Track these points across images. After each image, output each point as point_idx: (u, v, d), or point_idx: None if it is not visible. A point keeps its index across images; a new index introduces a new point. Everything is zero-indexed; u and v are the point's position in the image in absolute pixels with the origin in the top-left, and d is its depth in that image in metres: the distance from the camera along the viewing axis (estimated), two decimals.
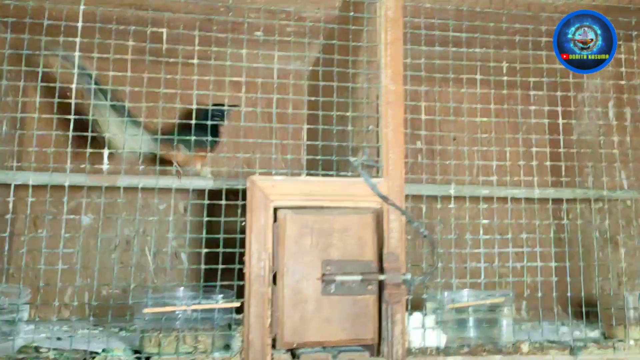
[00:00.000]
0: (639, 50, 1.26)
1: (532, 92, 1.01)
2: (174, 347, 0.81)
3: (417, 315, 0.91)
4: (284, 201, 0.86)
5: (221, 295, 0.88)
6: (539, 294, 0.93)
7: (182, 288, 0.91)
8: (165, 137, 1.12)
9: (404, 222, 0.88)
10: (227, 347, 0.86)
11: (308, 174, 0.89)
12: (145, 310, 0.83)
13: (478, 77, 1.01)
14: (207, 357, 0.82)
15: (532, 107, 1.09)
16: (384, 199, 0.88)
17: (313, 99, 1.07)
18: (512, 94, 1.11)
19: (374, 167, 0.91)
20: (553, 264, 0.97)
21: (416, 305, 0.92)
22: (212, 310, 0.86)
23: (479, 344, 0.90)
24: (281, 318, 0.84)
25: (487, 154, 1.00)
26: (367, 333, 0.86)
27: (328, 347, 0.85)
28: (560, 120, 1.03)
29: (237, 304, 0.85)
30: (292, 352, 0.84)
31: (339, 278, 0.85)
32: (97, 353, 0.79)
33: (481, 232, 0.93)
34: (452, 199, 0.94)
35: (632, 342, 0.96)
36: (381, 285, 0.86)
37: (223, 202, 0.88)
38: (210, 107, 1.15)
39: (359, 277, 0.85)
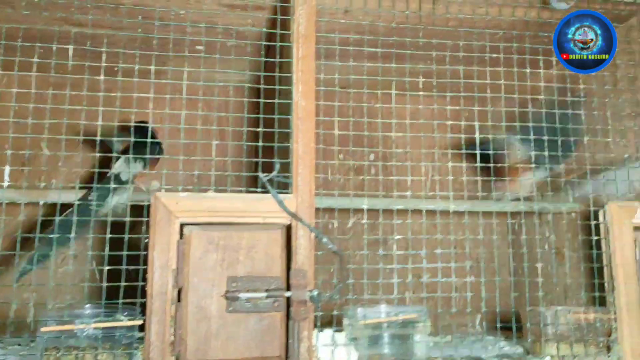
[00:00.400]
0: None
1: (448, 107, 1.03)
2: None
3: (327, 332, 0.91)
4: (190, 218, 0.86)
5: (125, 313, 0.87)
6: (453, 310, 0.94)
7: (87, 306, 0.89)
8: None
9: (313, 238, 0.88)
10: None
11: (216, 190, 0.88)
12: (43, 329, 0.81)
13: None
14: None
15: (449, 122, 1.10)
16: (292, 215, 0.88)
17: (236, 115, 1.06)
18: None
19: (287, 183, 0.91)
20: (468, 279, 0.97)
21: (331, 321, 0.92)
22: (115, 328, 0.85)
23: (389, 358, 0.91)
24: (184, 336, 0.83)
25: (402, 168, 1.01)
26: (273, 351, 0.86)
27: None
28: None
29: (140, 322, 0.84)
30: None
31: (243, 295, 0.84)
32: None
33: (395, 247, 0.94)
34: (365, 212, 0.94)
35: (547, 358, 0.98)
36: (289, 302, 0.86)
37: (127, 218, 0.87)
38: (133, 124, 1.14)
39: (264, 294, 0.85)
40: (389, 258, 0.94)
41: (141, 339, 0.83)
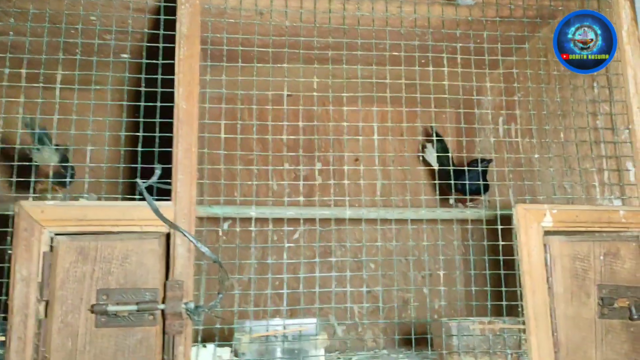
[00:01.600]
0: (518, 64, 1.28)
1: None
2: None
3: (209, 347, 0.87)
4: (59, 227, 0.83)
5: None
6: (348, 322, 0.90)
7: None
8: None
9: (193, 248, 0.85)
10: None
11: (89, 198, 0.85)
12: None
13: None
14: None
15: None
16: (169, 223, 0.84)
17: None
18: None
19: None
20: (364, 289, 0.93)
21: (219, 336, 0.88)
22: None
23: None
24: (48, 353, 0.79)
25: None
26: None
27: None
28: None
29: (2, 338, 0.80)
30: None
31: (112, 308, 0.80)
32: None
33: (285, 256, 0.90)
34: (253, 221, 0.91)
35: None
36: (164, 315, 0.82)
37: None
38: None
39: (135, 307, 0.81)
40: (279, 268, 0.90)
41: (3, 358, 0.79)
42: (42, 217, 0.82)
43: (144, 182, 0.86)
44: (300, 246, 0.91)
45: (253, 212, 0.92)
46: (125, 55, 1.13)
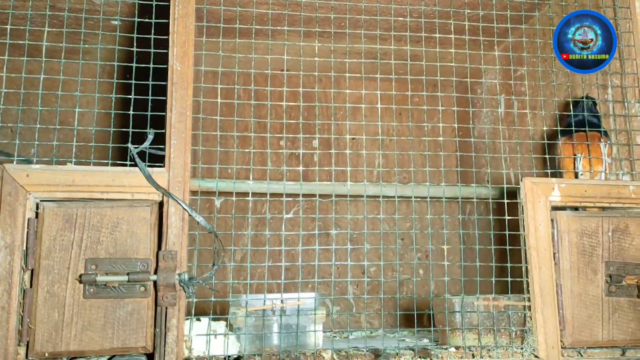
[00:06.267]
0: (515, 47, 1.29)
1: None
2: None
3: (204, 320, 0.87)
4: (45, 193, 0.82)
5: None
6: (350, 296, 0.90)
7: None
8: None
9: (187, 217, 0.85)
10: None
11: (77, 163, 0.84)
12: None
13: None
14: None
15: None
16: (162, 190, 0.84)
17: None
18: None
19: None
20: (365, 263, 0.94)
21: (215, 310, 0.88)
22: None
23: (273, 352, 0.87)
24: (33, 324, 0.79)
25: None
26: (137, 341, 0.81)
27: (91, 357, 0.81)
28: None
29: None
30: None
31: (101, 279, 0.80)
32: None
33: (284, 228, 0.90)
34: (250, 194, 0.90)
35: (452, 349, 0.95)
36: (156, 286, 0.82)
37: None
38: None
39: (125, 278, 0.81)
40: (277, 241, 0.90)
41: None
42: (27, 181, 0.81)
43: (135, 148, 0.86)
44: (298, 221, 0.91)
45: (251, 184, 0.92)
46: (115, 22, 1.12)
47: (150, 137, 0.87)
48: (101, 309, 0.81)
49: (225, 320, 0.89)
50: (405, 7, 1.09)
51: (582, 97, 1.11)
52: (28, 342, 0.78)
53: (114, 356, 0.82)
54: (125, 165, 0.86)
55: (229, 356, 0.86)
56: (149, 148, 0.87)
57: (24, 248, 0.80)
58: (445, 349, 0.94)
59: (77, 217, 0.82)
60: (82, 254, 0.81)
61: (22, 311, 0.78)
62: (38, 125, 0.84)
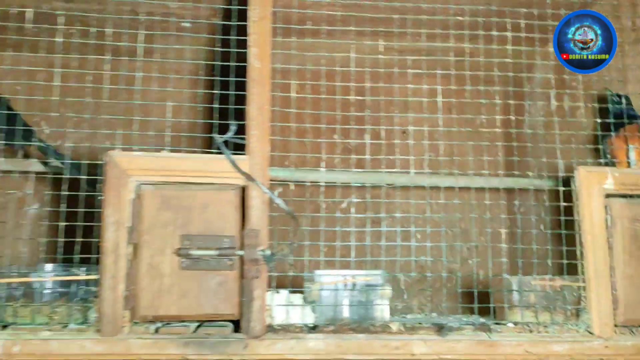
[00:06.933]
0: None
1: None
2: (30, 318, 0.89)
3: (283, 292, 0.97)
4: (145, 177, 0.93)
5: (84, 269, 0.94)
6: (412, 274, 0.98)
7: (48, 264, 0.97)
8: None
9: (267, 200, 0.95)
10: (84, 320, 0.92)
11: (172, 151, 0.95)
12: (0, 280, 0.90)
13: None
14: (62, 327, 0.88)
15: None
16: (245, 175, 0.94)
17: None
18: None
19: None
20: (428, 244, 1.02)
21: (289, 284, 0.98)
22: (71, 283, 0.93)
23: (345, 322, 0.96)
24: (137, 291, 0.90)
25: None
26: (227, 308, 0.92)
27: (188, 321, 0.92)
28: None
29: (95, 277, 0.91)
30: (153, 325, 0.90)
31: (195, 252, 0.91)
32: None
33: (353, 211, 0.99)
34: (322, 183, 1.00)
35: (511, 324, 1.02)
36: (242, 260, 0.92)
37: (84, 176, 0.95)
38: None
39: (215, 252, 0.91)
40: (346, 223, 1.00)
41: (97, 294, 0.90)
42: (130, 166, 0.92)
43: (220, 137, 0.96)
44: (359, 208, 1.00)
45: (323, 171, 1.01)
46: (186, 25, 1.24)
47: (234, 128, 0.98)
48: (195, 280, 0.92)
49: (302, 292, 0.99)
50: (462, 6, 1.17)
51: (614, 93, 1.17)
52: (133, 307, 0.90)
53: (204, 321, 0.93)
54: (210, 153, 0.97)
55: (306, 324, 0.96)
56: (232, 138, 0.97)
57: (129, 225, 0.91)
58: (505, 324, 1.01)
59: (172, 198, 0.93)
60: (178, 231, 0.92)
61: (128, 280, 0.90)
62: (136, 117, 0.95)
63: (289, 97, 1.02)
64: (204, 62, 1.03)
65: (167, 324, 0.92)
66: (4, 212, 1.06)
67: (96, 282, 0.91)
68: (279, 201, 0.94)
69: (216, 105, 0.97)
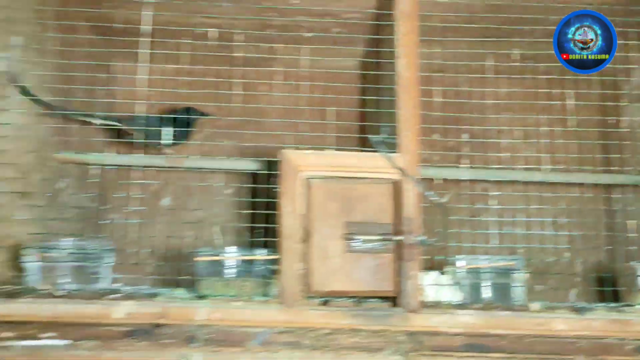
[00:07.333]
0: None
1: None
2: (223, 290, 1.07)
3: (432, 274, 1.10)
4: (313, 172, 1.08)
5: (265, 251, 1.11)
6: (550, 259, 1.09)
7: (234, 247, 1.15)
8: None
9: (418, 192, 1.08)
10: (266, 293, 1.08)
11: (336, 149, 1.10)
12: (197, 258, 1.08)
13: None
14: (249, 299, 1.05)
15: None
16: (400, 170, 1.08)
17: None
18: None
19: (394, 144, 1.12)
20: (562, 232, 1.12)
21: (434, 266, 1.11)
22: (254, 263, 1.10)
23: (490, 301, 1.08)
24: (310, 270, 1.05)
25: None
26: (385, 286, 1.06)
27: (352, 297, 1.06)
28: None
29: (276, 257, 1.06)
30: (322, 299, 1.05)
31: (360, 237, 1.05)
32: (157, 294, 1.04)
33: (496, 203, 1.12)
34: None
35: (638, 306, 1.11)
36: (398, 245, 1.06)
37: (265, 171, 1.12)
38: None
39: (378, 237, 1.05)
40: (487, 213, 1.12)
41: (275, 272, 1.06)
42: (301, 163, 1.08)
43: (375, 137, 1.11)
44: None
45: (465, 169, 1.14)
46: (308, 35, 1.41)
47: (386, 129, 1.12)
48: (359, 261, 1.06)
49: (448, 274, 1.12)
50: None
51: None
52: (307, 283, 1.05)
53: (365, 298, 1.07)
54: (364, 151, 1.12)
55: (454, 302, 1.08)
56: (386, 138, 1.11)
57: (302, 213, 1.07)
58: (634, 305, 1.10)
59: (337, 190, 1.08)
60: (342, 219, 1.07)
61: (302, 260, 1.05)
62: (304, 120, 1.11)
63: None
64: (359, 71, 1.18)
65: (334, 298, 1.07)
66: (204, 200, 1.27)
67: (275, 262, 1.06)
68: (430, 194, 1.08)
69: (368, 110, 1.12)
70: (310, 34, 1.32)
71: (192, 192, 1.37)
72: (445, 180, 1.13)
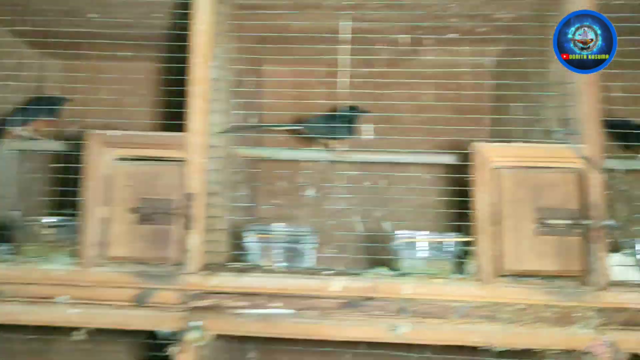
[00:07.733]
0: None
1: None
2: (423, 269, 1.21)
3: (617, 255, 1.18)
4: (501, 162, 1.20)
5: (459, 234, 1.24)
6: None
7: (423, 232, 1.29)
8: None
9: (602, 180, 1.16)
10: (461, 272, 1.21)
11: (523, 142, 1.21)
12: (398, 240, 1.22)
13: None
14: (447, 276, 1.17)
15: None
16: (586, 159, 1.17)
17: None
18: None
19: (573, 136, 1.21)
20: None
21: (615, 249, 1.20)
22: (449, 245, 1.23)
23: None
24: (503, 251, 1.16)
25: None
26: (573, 266, 1.15)
27: (541, 277, 1.17)
28: None
29: (470, 239, 1.18)
30: (514, 277, 1.16)
31: (550, 222, 1.15)
32: (362, 272, 1.19)
33: None
34: None
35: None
36: (584, 229, 1.15)
37: (465, 163, 1.24)
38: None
39: (568, 222, 1.15)
40: None
41: (469, 253, 1.18)
42: (491, 154, 1.19)
43: (561, 130, 1.20)
44: None
45: None
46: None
47: (569, 123, 1.21)
48: (547, 243, 1.16)
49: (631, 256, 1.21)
50: None
51: None
52: (501, 263, 1.16)
53: (553, 277, 1.17)
54: (547, 143, 1.22)
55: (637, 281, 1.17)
56: (566, 131, 1.21)
57: (493, 200, 1.18)
58: None
59: (525, 178, 1.18)
60: (531, 204, 1.17)
61: (495, 242, 1.17)
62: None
63: None
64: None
65: (525, 277, 1.17)
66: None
67: (469, 244, 1.18)
68: (615, 182, 1.16)
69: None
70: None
71: (393, 181, 1.52)
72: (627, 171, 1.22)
